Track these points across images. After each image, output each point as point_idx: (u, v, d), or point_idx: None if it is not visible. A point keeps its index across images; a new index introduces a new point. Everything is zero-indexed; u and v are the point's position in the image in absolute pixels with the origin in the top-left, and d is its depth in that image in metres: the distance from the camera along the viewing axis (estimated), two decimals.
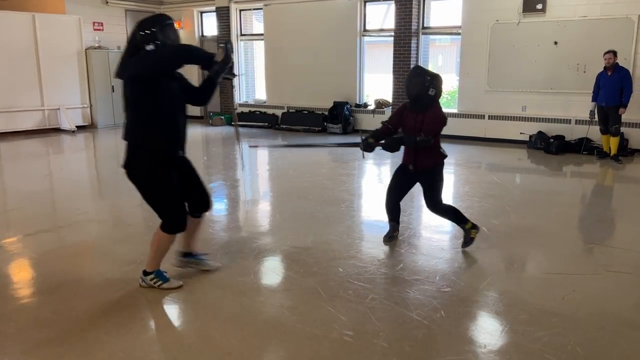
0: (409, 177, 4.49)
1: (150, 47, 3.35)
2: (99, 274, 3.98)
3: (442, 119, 4.29)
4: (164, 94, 3.37)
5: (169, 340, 3.10)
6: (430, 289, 3.69)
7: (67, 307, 3.44)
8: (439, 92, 4.26)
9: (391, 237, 4.68)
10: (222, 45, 3.42)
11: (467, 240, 4.47)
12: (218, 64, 3.39)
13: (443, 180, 4.43)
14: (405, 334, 3.08)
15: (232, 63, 3.48)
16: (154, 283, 3.66)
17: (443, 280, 3.84)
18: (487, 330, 3.22)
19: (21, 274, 4.13)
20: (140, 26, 3.43)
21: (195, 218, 3.79)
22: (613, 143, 8.29)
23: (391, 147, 4.37)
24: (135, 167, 3.45)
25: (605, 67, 8.18)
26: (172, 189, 3.49)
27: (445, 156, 4.39)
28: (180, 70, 3.58)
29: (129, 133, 3.45)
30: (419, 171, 4.37)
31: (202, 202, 3.79)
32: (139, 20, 3.50)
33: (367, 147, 4.41)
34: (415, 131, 4.24)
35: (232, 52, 3.45)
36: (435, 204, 4.42)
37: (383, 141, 4.39)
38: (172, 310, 3.48)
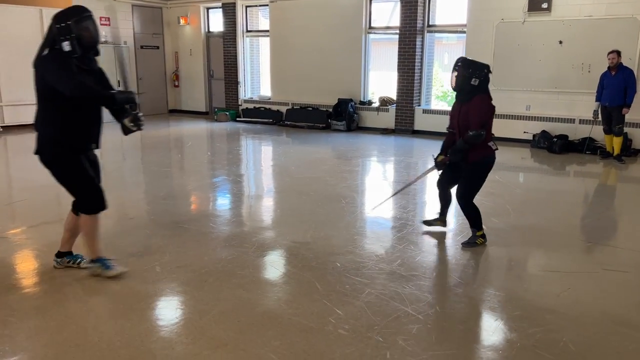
0: (457, 170, 4.49)
1: (66, 44, 3.36)
2: None
3: (486, 109, 4.22)
4: None
5: (166, 329, 3.14)
6: (426, 285, 3.72)
7: (67, 296, 3.50)
8: (483, 82, 4.22)
9: (428, 221, 4.91)
10: (131, 113, 3.69)
11: (470, 243, 4.49)
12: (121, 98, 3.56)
13: (484, 176, 4.40)
14: (400, 328, 3.12)
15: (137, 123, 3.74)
16: (99, 269, 3.74)
17: (440, 277, 3.88)
18: (481, 325, 3.25)
19: (24, 265, 4.20)
20: (56, 19, 3.42)
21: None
22: (616, 143, 8.28)
23: (455, 157, 4.40)
24: (46, 157, 3.54)
25: (609, 67, 8.17)
26: (85, 173, 3.58)
27: (494, 150, 4.35)
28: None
29: (40, 124, 3.51)
30: (470, 164, 4.35)
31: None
32: (56, 13, 3.50)
33: (438, 166, 4.57)
34: (460, 122, 4.27)
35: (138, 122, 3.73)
36: (464, 198, 4.42)
37: (448, 155, 4.46)
38: (170, 301, 3.53)
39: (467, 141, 4.21)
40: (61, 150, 3.50)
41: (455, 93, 4.46)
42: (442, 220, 4.89)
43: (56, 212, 5.63)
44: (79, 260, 3.97)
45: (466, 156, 4.32)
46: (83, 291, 3.58)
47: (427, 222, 4.94)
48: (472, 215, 4.48)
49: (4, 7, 11.38)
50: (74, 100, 3.39)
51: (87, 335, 3.02)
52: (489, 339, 3.05)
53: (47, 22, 11.46)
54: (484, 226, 4.53)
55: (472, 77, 4.17)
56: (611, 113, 8.21)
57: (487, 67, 4.28)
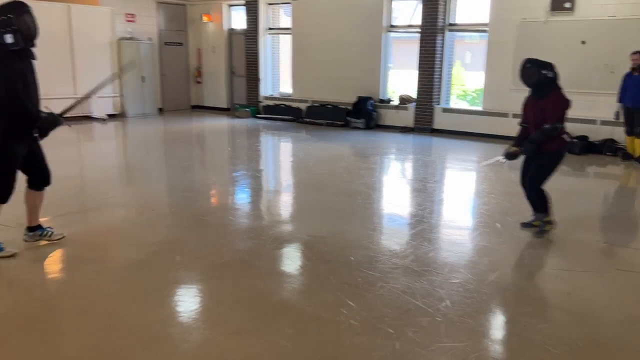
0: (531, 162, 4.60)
1: (8, 37, 3.61)
2: (123, 254, 4.21)
3: (564, 101, 4.40)
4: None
5: (185, 316, 3.28)
6: (438, 280, 3.79)
7: (91, 282, 3.66)
8: (556, 76, 4.40)
9: (526, 224, 4.80)
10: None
11: (539, 231, 4.64)
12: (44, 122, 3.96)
13: (556, 166, 4.54)
14: (410, 320, 3.20)
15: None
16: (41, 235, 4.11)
17: (452, 272, 3.94)
18: (491, 320, 3.31)
19: (50, 251, 4.36)
20: (2, 10, 3.63)
21: (38, 192, 4.14)
22: (638, 145, 8.19)
23: (527, 151, 4.54)
24: None
25: (632, 68, 8.08)
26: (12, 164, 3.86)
27: (569, 141, 4.54)
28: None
29: None
30: (542, 154, 4.48)
31: (44, 177, 4.16)
32: (2, 4, 3.70)
33: (509, 156, 4.69)
34: (535, 120, 4.42)
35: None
36: (534, 184, 4.55)
37: (521, 147, 4.58)
38: (188, 290, 3.66)
39: (544, 133, 4.35)
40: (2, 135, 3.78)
41: (530, 90, 4.57)
42: (537, 216, 4.76)
43: (81, 203, 5.83)
44: (49, 233, 4.26)
45: (540, 146, 4.45)
46: (106, 278, 3.73)
47: (523, 225, 4.84)
48: (536, 200, 4.61)
49: (34, 3, 11.67)
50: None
51: (111, 320, 3.16)
52: (497, 334, 3.11)
53: (74, 18, 11.84)
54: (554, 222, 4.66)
55: (546, 71, 4.36)
56: (633, 114, 8.13)
57: (552, 65, 4.47)
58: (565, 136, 4.48)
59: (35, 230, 4.25)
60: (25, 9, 3.71)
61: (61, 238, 4.33)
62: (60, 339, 2.98)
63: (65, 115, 4.19)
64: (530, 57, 4.59)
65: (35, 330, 3.04)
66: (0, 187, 3.89)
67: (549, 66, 4.41)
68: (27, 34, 3.73)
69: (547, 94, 4.40)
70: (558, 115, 4.37)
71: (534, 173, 4.55)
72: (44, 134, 4.04)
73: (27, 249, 4.23)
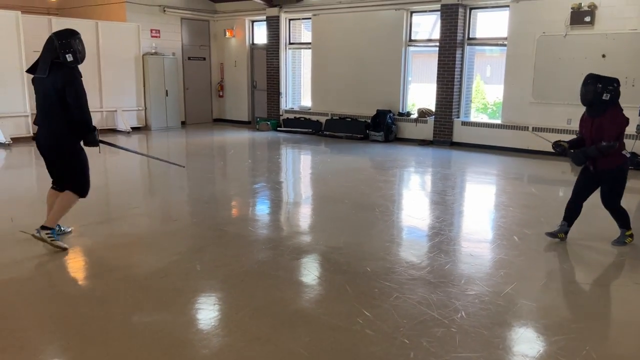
0: (591, 178, 4.73)
1: (69, 56, 4.30)
2: (146, 262, 4.33)
3: (620, 121, 4.46)
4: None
5: (204, 322, 3.38)
6: (454, 291, 3.82)
7: (115, 289, 3.78)
8: (615, 96, 4.44)
9: (552, 234, 4.91)
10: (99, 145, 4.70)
11: (620, 241, 4.81)
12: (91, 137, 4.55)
13: (623, 182, 4.64)
14: (425, 331, 3.24)
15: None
16: (47, 237, 4.40)
17: (468, 284, 3.97)
18: (505, 331, 3.33)
19: (75, 260, 4.52)
20: (59, 35, 4.37)
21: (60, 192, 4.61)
22: None
23: (576, 159, 4.66)
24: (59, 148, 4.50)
25: None
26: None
27: (627, 157, 4.61)
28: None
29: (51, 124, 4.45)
30: (600, 172, 4.61)
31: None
32: (57, 32, 4.46)
33: (557, 147, 4.82)
34: (591, 136, 4.52)
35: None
36: (611, 205, 4.72)
37: (572, 150, 4.70)
38: (208, 297, 3.76)
39: (600, 150, 4.44)
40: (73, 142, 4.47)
41: (585, 107, 4.65)
42: (564, 229, 4.89)
43: (106, 213, 6.00)
44: (56, 237, 4.53)
45: (595, 163, 4.57)
46: (129, 285, 3.86)
47: (549, 233, 4.95)
48: (621, 217, 4.77)
49: (64, 20, 12.10)
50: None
51: (132, 325, 3.27)
52: (511, 345, 3.13)
53: (102, 34, 12.19)
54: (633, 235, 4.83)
55: (603, 92, 4.39)
56: None
57: (616, 81, 4.50)
58: (624, 152, 4.59)
59: (48, 229, 4.50)
60: (78, 35, 4.46)
61: (61, 250, 4.48)
62: (83, 345, 3.09)
63: (102, 142, 4.77)
64: (594, 73, 4.61)
65: (59, 336, 3.16)
66: (82, 184, 4.58)
67: (611, 84, 4.42)
68: (81, 55, 4.43)
69: (602, 112, 4.45)
70: (616, 134, 4.44)
71: (609, 195, 4.69)
72: (87, 143, 4.58)
73: (51, 255, 4.39)
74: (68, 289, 3.84)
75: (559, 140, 4.88)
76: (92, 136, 4.51)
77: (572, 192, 4.89)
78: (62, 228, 4.88)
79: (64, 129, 4.37)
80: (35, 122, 4.63)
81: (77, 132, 4.43)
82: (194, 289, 3.82)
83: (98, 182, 7.59)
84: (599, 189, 4.75)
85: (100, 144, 4.68)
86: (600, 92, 4.38)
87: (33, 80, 4.46)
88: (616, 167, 4.56)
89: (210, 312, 3.54)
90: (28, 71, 4.51)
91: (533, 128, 10.01)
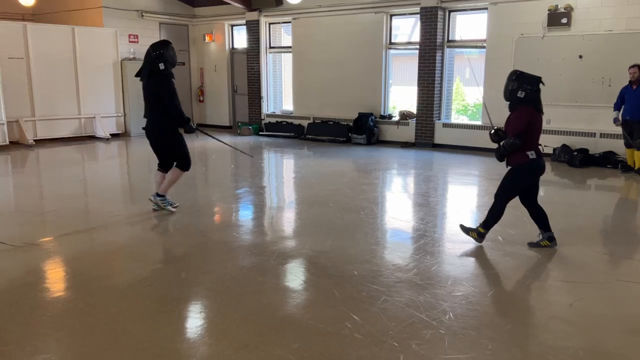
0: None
1: (161, 65, 5.36)
2: (129, 271, 4.26)
3: (525, 120, 4.45)
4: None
5: (191, 331, 3.32)
6: (441, 293, 3.83)
7: (98, 299, 3.70)
8: (529, 95, 4.47)
9: (535, 244, 4.83)
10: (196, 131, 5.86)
11: (467, 229, 4.95)
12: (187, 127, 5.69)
13: (516, 183, 4.66)
14: (414, 333, 3.23)
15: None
16: (160, 202, 5.77)
17: (454, 285, 3.98)
18: (493, 332, 3.34)
19: (57, 270, 4.43)
20: (154, 47, 5.46)
21: (164, 172, 5.87)
22: (637, 157, 8.25)
23: (497, 156, 4.73)
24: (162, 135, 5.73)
25: (630, 81, 8.18)
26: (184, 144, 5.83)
27: (531, 160, 4.51)
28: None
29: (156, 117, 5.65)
30: (509, 169, 4.68)
31: (171, 163, 5.88)
32: (152, 44, 5.52)
33: (495, 135, 4.74)
34: (505, 129, 4.62)
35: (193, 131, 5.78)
36: (496, 196, 4.76)
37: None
38: (194, 306, 3.70)
39: (504, 147, 4.53)
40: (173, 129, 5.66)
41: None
42: (550, 238, 4.78)
43: (86, 222, 5.90)
44: (167, 204, 5.90)
45: (507, 160, 4.66)
46: (113, 295, 3.78)
47: (532, 244, 4.86)
48: (491, 213, 4.76)
49: (39, 26, 11.91)
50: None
51: (117, 336, 3.20)
52: (500, 345, 3.14)
53: (78, 40, 12.02)
54: (481, 229, 4.86)
55: (518, 89, 4.45)
56: (632, 127, 8.21)
57: (535, 81, 4.52)
58: (530, 153, 4.49)
59: (161, 196, 5.86)
60: (170, 45, 5.51)
61: (170, 212, 5.86)
62: (68, 357, 3.02)
63: (198, 130, 5.96)
64: (517, 70, 4.68)
65: (42, 349, 3.08)
66: (185, 162, 5.78)
67: (528, 83, 4.47)
68: (172, 62, 5.49)
69: (514, 109, 4.56)
70: (515, 132, 4.45)
71: (499, 188, 4.75)
72: (186, 131, 5.68)
73: (31, 266, 4.28)
74: (50, 300, 3.74)
75: (499, 129, 4.74)
76: (188, 126, 5.61)
77: (523, 204, 4.85)
78: (172, 202, 6.01)
79: (164, 121, 5.50)
80: (144, 116, 5.77)
81: (175, 122, 5.55)
82: (179, 297, 3.76)
83: (77, 191, 7.49)
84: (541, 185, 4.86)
85: (196, 131, 5.83)
86: (515, 89, 4.46)
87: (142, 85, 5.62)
88: (516, 165, 4.56)
89: (197, 320, 3.49)
90: (136, 76, 5.66)
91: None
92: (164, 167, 5.86)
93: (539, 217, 4.79)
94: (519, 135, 4.44)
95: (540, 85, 4.57)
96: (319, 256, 4.58)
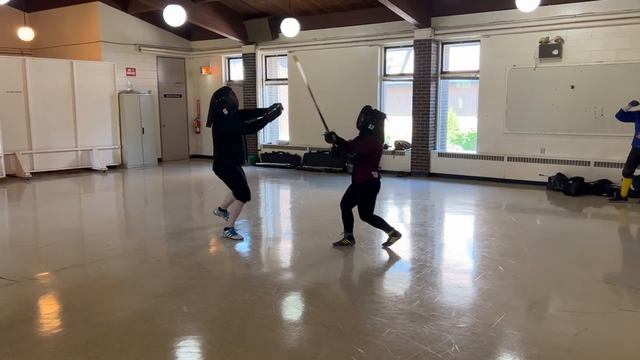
0: (352, 190, 5.87)
1: (224, 110, 6.03)
2: (129, 306, 4.21)
3: (371, 145, 5.67)
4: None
5: None
6: (445, 325, 3.81)
7: (99, 335, 3.66)
8: (377, 128, 5.69)
9: (339, 243, 5.90)
10: (276, 106, 6.31)
11: (388, 243, 5.88)
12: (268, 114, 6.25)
13: (372, 197, 5.78)
14: None
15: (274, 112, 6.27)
16: (227, 234, 6.34)
17: (458, 317, 3.96)
18: None
19: (56, 305, 4.38)
20: (216, 95, 6.13)
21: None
22: (625, 185, 8.38)
23: (333, 152, 5.92)
24: (222, 169, 6.33)
25: None
26: (241, 177, 6.37)
27: (375, 178, 5.70)
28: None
29: (218, 154, 6.27)
30: (355, 185, 5.78)
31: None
32: (216, 91, 6.21)
33: (328, 137, 5.87)
34: (355, 148, 5.72)
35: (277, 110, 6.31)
36: (362, 216, 5.79)
37: (336, 145, 5.85)
38: (198, 340, 3.66)
39: (351, 159, 5.70)
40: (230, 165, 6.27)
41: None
42: (347, 236, 5.91)
43: (84, 256, 5.86)
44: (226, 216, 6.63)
45: (354, 178, 5.79)
46: (114, 332, 3.74)
47: (337, 244, 5.90)
48: (378, 224, 5.85)
49: (38, 60, 12.03)
50: (238, 137, 6.25)
51: None
52: None
53: (77, 73, 12.15)
54: (399, 232, 5.91)
55: (369, 123, 5.67)
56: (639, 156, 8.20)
57: (381, 116, 5.75)
58: (374, 173, 5.67)
59: (223, 211, 6.73)
60: (231, 91, 6.20)
61: (239, 240, 6.31)
62: None
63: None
64: (369, 106, 5.87)
65: None
66: (243, 193, 6.31)
67: (376, 118, 5.69)
68: (233, 106, 6.14)
69: (364, 137, 5.74)
70: (361, 153, 5.62)
71: (361, 207, 5.77)
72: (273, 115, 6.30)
73: (29, 303, 4.23)
74: (51, 336, 3.69)
75: (333, 134, 5.81)
76: (270, 115, 6.25)
77: (341, 204, 5.90)
78: (237, 232, 6.48)
79: (222, 158, 6.22)
80: (213, 156, 6.40)
81: (234, 159, 6.23)
82: (181, 332, 3.72)
83: (74, 224, 7.45)
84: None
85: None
86: (366, 122, 5.66)
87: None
88: (364, 181, 5.67)
89: (200, 355, 3.44)
90: (207, 125, 6.28)
91: (508, 158, 10.25)
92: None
93: (349, 220, 5.91)
94: (361, 154, 5.61)
95: (385, 120, 5.78)
96: (320, 288, 4.56)
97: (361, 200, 5.75)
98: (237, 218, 6.57)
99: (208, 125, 6.27)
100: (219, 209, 6.84)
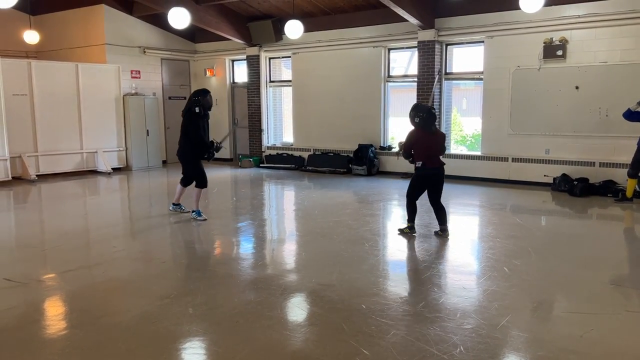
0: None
1: (197, 109, 6.93)
2: (136, 307, 4.23)
3: (412, 138, 6.30)
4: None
5: None
6: (450, 326, 3.81)
7: (106, 337, 3.68)
8: (421, 121, 6.19)
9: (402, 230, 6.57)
10: (218, 145, 7.35)
11: (401, 230, 6.55)
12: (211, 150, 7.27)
13: (417, 186, 6.45)
14: None
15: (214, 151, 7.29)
16: (196, 216, 7.26)
17: (463, 318, 3.96)
18: None
19: (63, 307, 4.40)
20: (195, 93, 7.09)
21: (184, 187, 7.64)
22: (630, 185, 8.35)
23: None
24: (185, 157, 7.35)
25: None
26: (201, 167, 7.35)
27: (418, 166, 6.32)
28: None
29: (183, 144, 7.27)
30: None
31: (191, 181, 7.48)
32: (196, 90, 7.27)
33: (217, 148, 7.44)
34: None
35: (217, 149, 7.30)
36: (406, 195, 6.54)
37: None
38: (203, 342, 3.68)
39: (399, 152, 6.72)
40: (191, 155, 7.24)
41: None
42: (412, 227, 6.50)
43: (90, 257, 5.88)
44: (182, 209, 7.70)
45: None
46: (120, 333, 3.76)
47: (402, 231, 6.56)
48: (407, 209, 6.52)
49: (44, 63, 12.09)
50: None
51: None
52: None
53: (82, 76, 12.21)
54: (411, 223, 6.49)
55: (415, 117, 6.21)
56: None
57: (426, 110, 6.28)
58: (418, 164, 6.27)
59: (177, 205, 7.70)
60: (206, 92, 7.11)
61: (202, 220, 7.31)
62: None
63: (221, 142, 7.48)
64: (417, 103, 6.68)
65: None
66: (202, 180, 7.27)
67: (417, 113, 6.21)
68: (206, 107, 7.03)
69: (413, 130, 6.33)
70: (405, 145, 6.40)
71: (408, 188, 6.48)
72: (211, 155, 7.27)
73: (35, 304, 4.26)
74: (58, 338, 3.71)
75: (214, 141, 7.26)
76: (209, 153, 7.21)
77: (414, 197, 6.54)
78: (183, 207, 7.75)
79: (187, 148, 7.12)
80: (178, 143, 7.32)
81: (196, 149, 7.11)
82: (187, 333, 3.74)
83: (80, 226, 7.49)
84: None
85: (220, 145, 7.36)
86: (413, 117, 6.22)
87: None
88: (415, 171, 6.42)
89: (206, 357, 3.46)
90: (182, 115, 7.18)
91: (513, 159, 10.24)
92: (184, 182, 7.58)
93: (440, 212, 6.48)
94: (406, 148, 6.33)
95: (431, 112, 6.30)
96: (325, 289, 4.57)
97: (410, 184, 6.57)
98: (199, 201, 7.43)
99: (182, 115, 7.11)
100: (173, 204, 7.70)
